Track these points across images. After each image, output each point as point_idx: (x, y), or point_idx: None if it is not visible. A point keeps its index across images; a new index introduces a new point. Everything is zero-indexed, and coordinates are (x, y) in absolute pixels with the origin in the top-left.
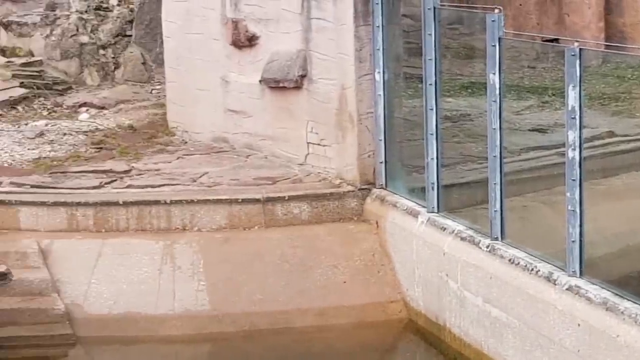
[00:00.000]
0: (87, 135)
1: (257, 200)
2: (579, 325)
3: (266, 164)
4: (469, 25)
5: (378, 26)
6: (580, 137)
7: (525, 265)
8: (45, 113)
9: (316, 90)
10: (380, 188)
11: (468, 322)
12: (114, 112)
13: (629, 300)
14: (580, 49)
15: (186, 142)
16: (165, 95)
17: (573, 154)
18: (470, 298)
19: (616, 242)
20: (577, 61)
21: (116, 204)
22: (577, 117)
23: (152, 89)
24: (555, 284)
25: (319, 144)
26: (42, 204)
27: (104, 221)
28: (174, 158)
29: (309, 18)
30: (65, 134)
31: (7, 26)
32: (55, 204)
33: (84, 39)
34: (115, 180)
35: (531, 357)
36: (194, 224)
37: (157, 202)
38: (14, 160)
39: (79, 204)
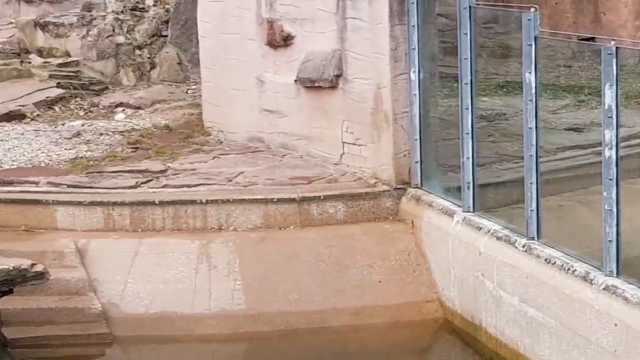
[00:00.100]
0: (123, 135)
1: (292, 200)
2: (615, 325)
3: (301, 164)
4: (505, 24)
5: (413, 25)
6: (617, 136)
7: (562, 265)
8: (81, 113)
9: (351, 89)
10: (416, 187)
11: (504, 322)
12: (150, 112)
13: None
14: (616, 48)
15: (222, 142)
16: (200, 95)
17: (610, 153)
18: (506, 298)
19: None
20: (614, 60)
21: (152, 203)
22: (614, 116)
23: (188, 89)
24: (591, 284)
25: (354, 144)
26: (79, 203)
27: (140, 221)
28: (209, 158)
29: (344, 18)
30: (101, 134)
31: (43, 27)
32: (92, 203)
33: (120, 39)
34: (151, 180)
35: (568, 357)
36: (229, 224)
37: (193, 202)
38: (51, 160)
39: (115, 203)
